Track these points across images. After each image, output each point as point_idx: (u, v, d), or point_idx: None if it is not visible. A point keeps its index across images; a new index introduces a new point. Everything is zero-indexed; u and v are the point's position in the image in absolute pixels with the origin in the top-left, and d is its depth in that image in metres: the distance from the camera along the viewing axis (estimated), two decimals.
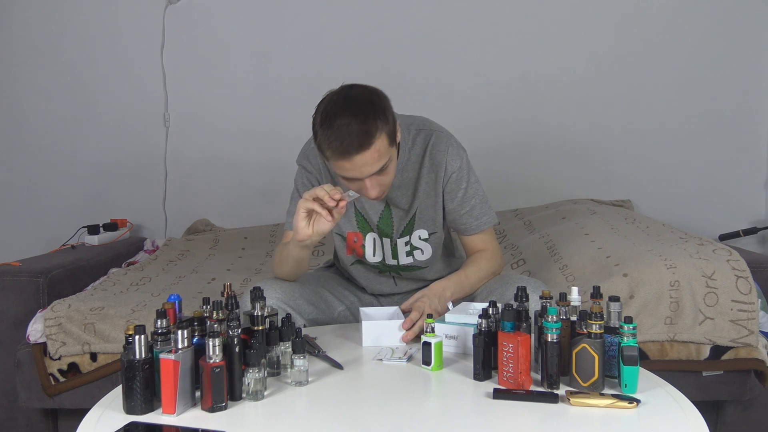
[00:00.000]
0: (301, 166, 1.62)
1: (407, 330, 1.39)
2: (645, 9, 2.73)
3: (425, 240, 1.61)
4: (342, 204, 1.35)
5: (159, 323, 1.10)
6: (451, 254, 1.76)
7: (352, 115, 1.30)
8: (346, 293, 1.71)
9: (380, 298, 1.74)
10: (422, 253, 1.62)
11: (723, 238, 2.62)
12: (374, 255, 1.63)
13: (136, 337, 1.06)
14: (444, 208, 1.59)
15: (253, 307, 1.28)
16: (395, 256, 1.62)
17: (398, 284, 1.69)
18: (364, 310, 1.50)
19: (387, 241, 1.61)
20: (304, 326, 1.54)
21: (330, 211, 1.35)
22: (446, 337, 1.34)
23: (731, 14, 2.71)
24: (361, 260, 1.66)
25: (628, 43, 2.74)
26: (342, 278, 1.78)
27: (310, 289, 1.60)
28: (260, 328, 1.23)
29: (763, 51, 2.71)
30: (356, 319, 1.65)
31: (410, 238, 1.60)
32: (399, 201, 1.57)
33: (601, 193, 2.76)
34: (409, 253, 1.62)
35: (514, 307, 1.21)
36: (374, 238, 1.62)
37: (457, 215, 1.58)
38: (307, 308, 1.56)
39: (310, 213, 1.37)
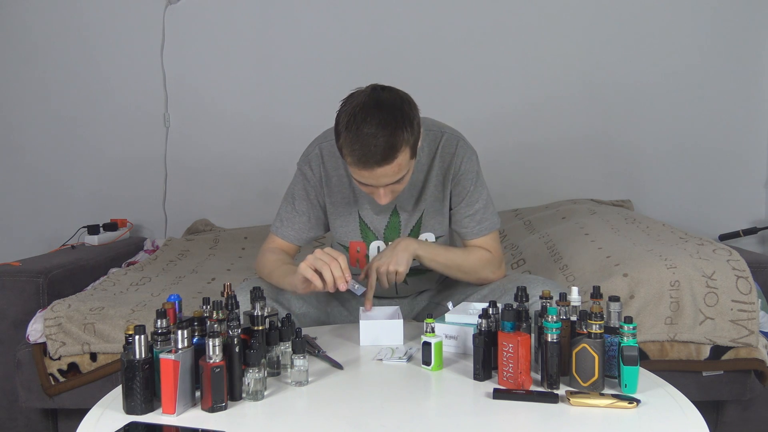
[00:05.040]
0: (301, 171, 1.58)
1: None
2: (645, 9, 2.73)
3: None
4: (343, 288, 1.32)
5: (159, 323, 1.10)
6: None
7: (380, 125, 1.26)
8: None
9: (379, 299, 1.73)
10: None
11: (723, 238, 2.62)
12: None
13: (136, 337, 1.06)
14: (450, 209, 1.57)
15: (253, 307, 1.28)
16: None
17: (399, 291, 1.68)
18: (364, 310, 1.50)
19: None
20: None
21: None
22: (446, 337, 1.34)
23: (731, 14, 2.71)
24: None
25: (628, 43, 2.74)
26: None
27: None
28: (260, 328, 1.23)
29: (763, 51, 2.71)
30: (351, 316, 1.65)
31: None
32: (405, 203, 1.55)
33: (601, 193, 2.76)
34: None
35: (514, 307, 1.22)
36: (378, 246, 1.59)
37: (460, 217, 1.55)
38: (296, 303, 1.55)
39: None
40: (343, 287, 1.31)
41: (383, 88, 1.34)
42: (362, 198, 1.56)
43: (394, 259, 1.42)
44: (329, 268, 1.30)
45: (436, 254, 1.51)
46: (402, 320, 1.40)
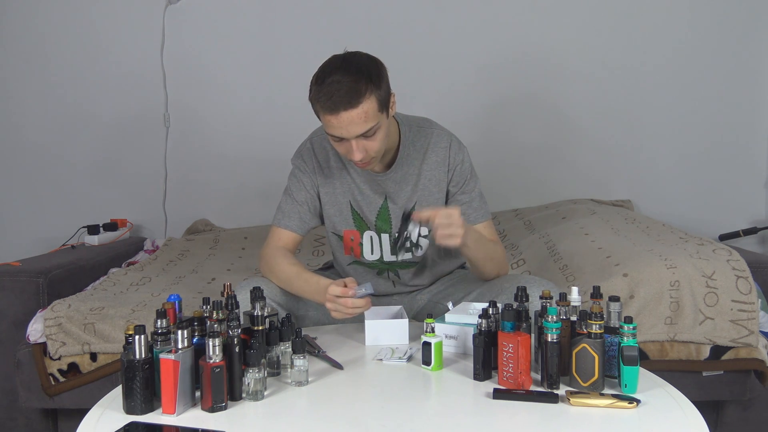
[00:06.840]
0: (295, 165, 1.64)
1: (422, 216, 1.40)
2: (645, 8, 2.73)
3: (425, 237, 1.61)
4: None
5: (159, 323, 1.10)
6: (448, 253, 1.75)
7: (344, 74, 1.35)
8: None
9: (378, 297, 1.74)
10: (421, 249, 1.63)
11: (723, 238, 2.62)
12: (372, 253, 1.63)
13: (136, 337, 1.06)
14: (447, 201, 1.61)
15: (253, 307, 1.28)
16: (394, 252, 1.63)
17: (396, 286, 1.69)
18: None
19: (385, 237, 1.62)
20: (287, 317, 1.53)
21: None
22: (446, 337, 1.34)
23: (731, 14, 2.70)
24: (358, 261, 1.66)
25: (628, 43, 2.74)
26: (339, 278, 1.77)
27: None
28: (260, 328, 1.23)
29: (763, 51, 2.71)
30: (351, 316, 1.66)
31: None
32: (397, 196, 1.58)
33: (601, 193, 2.76)
34: (408, 250, 1.62)
35: (514, 307, 1.22)
36: (371, 236, 1.62)
37: (458, 204, 1.59)
38: (296, 304, 1.56)
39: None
40: (367, 308, 1.36)
41: (354, 52, 1.43)
42: (353, 187, 1.59)
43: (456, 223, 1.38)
44: (346, 309, 1.35)
45: (481, 242, 1.54)
46: (407, 320, 1.41)
